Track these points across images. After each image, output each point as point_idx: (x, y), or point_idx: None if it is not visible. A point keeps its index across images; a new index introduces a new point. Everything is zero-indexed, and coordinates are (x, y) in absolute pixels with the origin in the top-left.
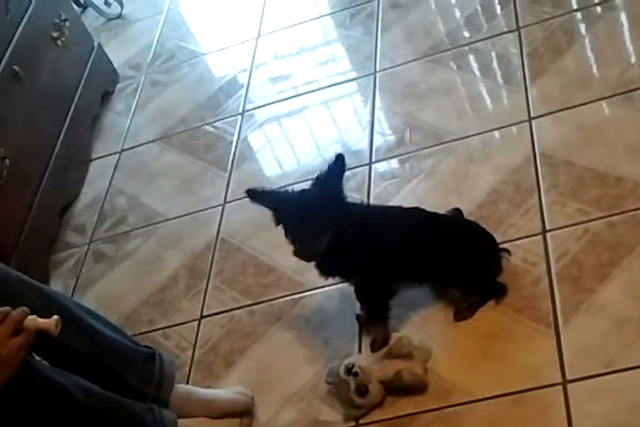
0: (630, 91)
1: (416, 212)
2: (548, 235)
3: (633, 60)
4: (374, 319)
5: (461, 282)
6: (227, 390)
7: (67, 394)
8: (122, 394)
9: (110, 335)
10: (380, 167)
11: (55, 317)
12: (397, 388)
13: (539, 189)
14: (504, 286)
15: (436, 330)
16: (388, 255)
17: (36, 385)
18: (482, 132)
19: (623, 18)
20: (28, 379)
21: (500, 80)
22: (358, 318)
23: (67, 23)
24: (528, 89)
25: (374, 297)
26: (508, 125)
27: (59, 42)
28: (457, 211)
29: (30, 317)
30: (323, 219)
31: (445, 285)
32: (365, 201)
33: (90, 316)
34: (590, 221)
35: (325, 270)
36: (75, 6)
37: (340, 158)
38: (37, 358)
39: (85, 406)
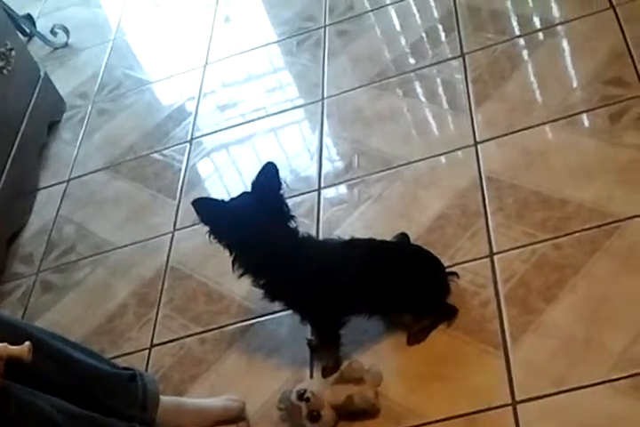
0: (572, 115)
1: (358, 242)
2: (495, 257)
3: (575, 84)
4: (325, 346)
5: (412, 307)
6: (218, 398)
7: (47, 417)
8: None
9: (85, 361)
10: (329, 193)
11: (27, 343)
12: (349, 412)
13: (485, 213)
14: (454, 307)
15: (386, 354)
16: (333, 289)
17: (15, 411)
18: (429, 157)
19: (564, 44)
20: (6, 405)
21: (445, 105)
22: (309, 342)
23: (12, 52)
24: (473, 114)
25: (323, 328)
26: (455, 150)
27: (4, 71)
28: (403, 235)
29: (0, 345)
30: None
31: (396, 312)
32: (313, 228)
33: (63, 343)
34: (536, 243)
35: (270, 293)
36: (20, 35)
37: (270, 166)
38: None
39: None
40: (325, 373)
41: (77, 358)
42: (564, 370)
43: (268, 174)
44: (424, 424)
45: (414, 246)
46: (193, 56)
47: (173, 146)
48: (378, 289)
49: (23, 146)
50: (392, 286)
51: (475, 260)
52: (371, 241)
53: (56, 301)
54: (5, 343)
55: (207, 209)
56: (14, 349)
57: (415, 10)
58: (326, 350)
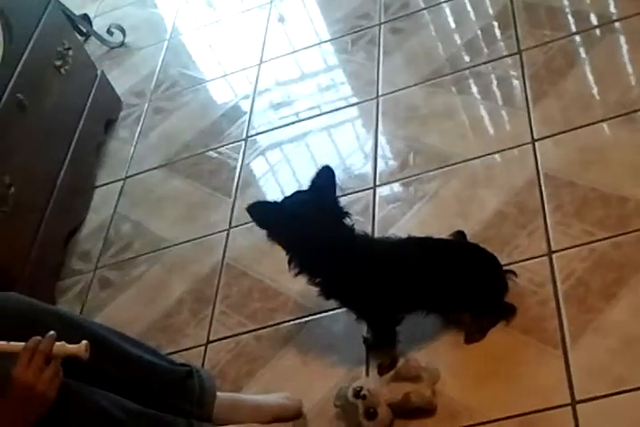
0: (631, 112)
1: (415, 240)
2: (553, 256)
3: (633, 81)
4: (381, 344)
5: (470, 306)
6: (275, 395)
7: (107, 414)
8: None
9: (143, 357)
10: (384, 191)
11: (84, 342)
12: (406, 410)
13: (543, 211)
14: (512, 306)
15: (443, 352)
16: (389, 287)
17: (75, 408)
18: (485, 155)
19: (622, 40)
20: (67, 403)
21: (501, 103)
22: (365, 340)
23: (70, 52)
24: (530, 111)
25: (379, 325)
26: (512, 147)
27: (62, 70)
28: (460, 234)
29: (58, 343)
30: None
31: (454, 311)
32: (369, 226)
33: (122, 340)
34: (595, 241)
35: (326, 292)
36: (77, 35)
37: (327, 170)
38: None
39: (124, 425)
40: (381, 370)
41: (135, 355)
42: (625, 370)
43: (325, 176)
44: (481, 423)
45: (472, 244)
46: (247, 55)
47: (229, 144)
48: (435, 287)
49: (81, 144)
50: (450, 283)
51: (533, 258)
52: (428, 239)
53: (114, 297)
54: (63, 342)
55: (262, 213)
56: (72, 347)
57: (470, 7)
58: (382, 348)
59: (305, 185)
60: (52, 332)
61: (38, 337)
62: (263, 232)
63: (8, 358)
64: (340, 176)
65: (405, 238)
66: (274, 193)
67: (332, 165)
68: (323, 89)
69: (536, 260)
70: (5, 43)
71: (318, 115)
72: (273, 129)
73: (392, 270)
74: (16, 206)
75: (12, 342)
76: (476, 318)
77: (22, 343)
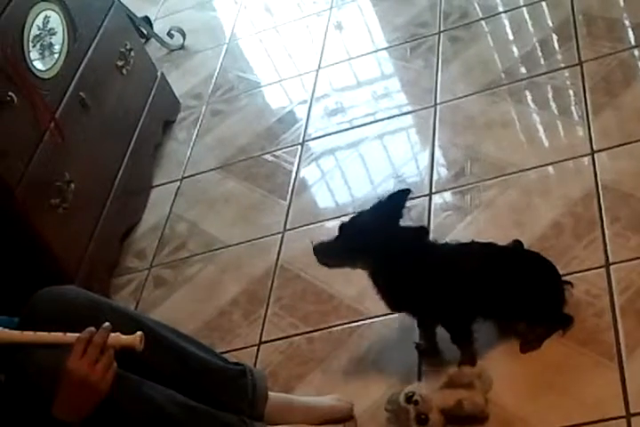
0: None
1: (481, 245)
2: (611, 268)
3: None
4: (462, 343)
5: (527, 314)
6: (327, 397)
7: (161, 408)
8: None
9: (199, 355)
10: (440, 198)
11: (139, 333)
12: (457, 417)
13: (601, 222)
14: (570, 316)
15: (498, 361)
16: (460, 290)
17: (128, 401)
18: (543, 165)
19: None
20: (121, 396)
21: (559, 114)
22: (417, 346)
23: (132, 53)
24: (590, 123)
25: (456, 326)
26: (570, 158)
27: (124, 70)
28: (517, 243)
29: (113, 334)
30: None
31: (511, 319)
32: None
33: (177, 336)
34: None
35: (396, 305)
36: (138, 37)
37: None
38: None
39: (177, 419)
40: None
41: (190, 351)
42: None
43: (396, 199)
44: None
45: (533, 252)
46: (304, 61)
47: (285, 148)
48: (496, 292)
49: (139, 144)
50: (510, 290)
51: (590, 269)
52: (491, 245)
53: (167, 296)
54: (118, 333)
55: (326, 255)
56: (126, 338)
57: (529, 18)
58: (464, 347)
59: (360, 192)
60: (107, 323)
61: (92, 328)
62: (316, 235)
63: (64, 349)
64: (394, 183)
65: (469, 243)
66: (328, 198)
67: (388, 172)
68: (380, 96)
69: (593, 271)
70: (70, 42)
71: (375, 121)
72: (329, 134)
73: (458, 274)
74: (75, 203)
75: (68, 334)
76: (532, 327)
77: (77, 335)
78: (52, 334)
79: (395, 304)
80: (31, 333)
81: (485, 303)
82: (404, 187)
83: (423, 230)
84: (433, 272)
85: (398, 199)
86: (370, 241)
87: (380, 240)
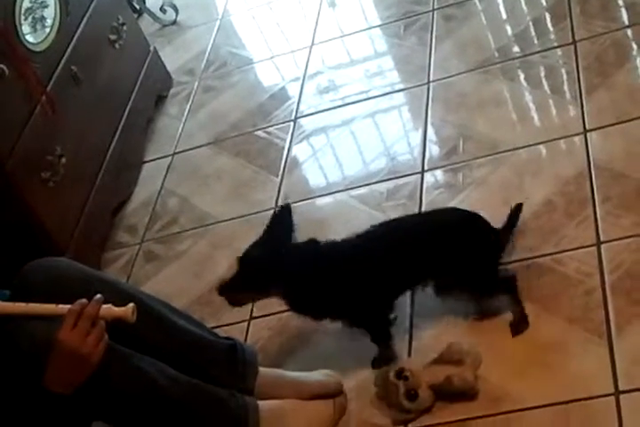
0: None
1: (376, 229)
2: (602, 246)
3: None
4: (379, 344)
5: (458, 280)
6: (316, 372)
7: (151, 380)
8: None
9: (189, 329)
10: (432, 176)
11: (131, 304)
12: (447, 393)
13: (593, 201)
14: (513, 276)
15: (486, 337)
16: (365, 285)
17: (120, 373)
18: (535, 144)
19: None
20: (111, 368)
21: (553, 93)
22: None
23: (124, 27)
24: (583, 102)
25: (372, 325)
26: (563, 137)
27: (116, 45)
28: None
29: (105, 306)
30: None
31: (450, 290)
32: (416, 210)
33: (168, 310)
34: None
35: (317, 316)
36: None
37: (284, 209)
38: None
39: (169, 393)
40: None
41: (181, 325)
42: None
43: (281, 217)
44: (522, 409)
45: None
46: (297, 38)
47: (277, 124)
48: (405, 274)
49: (131, 119)
50: (422, 265)
51: (581, 248)
52: (392, 222)
53: (158, 270)
54: (110, 305)
55: (233, 292)
56: (118, 310)
57: None
58: (382, 347)
59: (352, 169)
60: (98, 295)
61: (84, 300)
62: (307, 211)
63: (56, 321)
64: (386, 161)
65: (364, 232)
66: (321, 174)
67: (382, 148)
68: (373, 73)
69: (584, 250)
70: (62, 15)
71: (369, 98)
72: (321, 111)
73: (353, 272)
74: (66, 177)
75: (60, 305)
76: (477, 296)
77: (69, 306)
78: (44, 305)
79: (315, 315)
80: (23, 304)
81: (407, 275)
82: (399, 164)
83: (312, 242)
84: (333, 277)
85: (283, 217)
86: (270, 267)
87: (279, 262)
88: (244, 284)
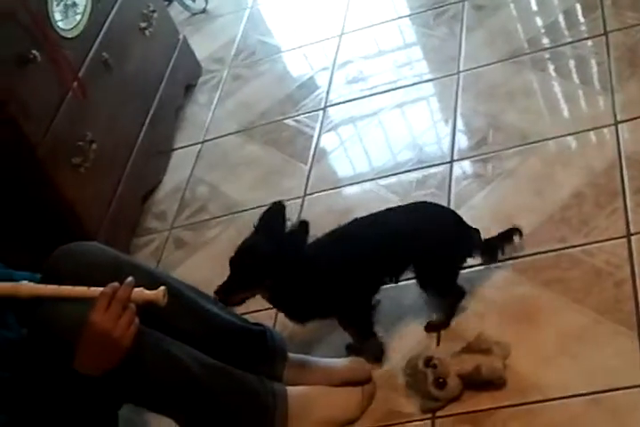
0: None
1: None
2: (632, 238)
3: None
4: (366, 339)
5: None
6: (345, 359)
7: (183, 366)
8: None
9: (219, 314)
10: (462, 166)
11: (162, 287)
12: (475, 382)
13: (623, 193)
14: (462, 290)
15: (515, 327)
16: (351, 279)
17: (151, 358)
18: (565, 135)
19: None
20: (143, 352)
21: (583, 84)
22: (348, 347)
23: (155, 14)
24: (614, 94)
25: (358, 322)
26: (594, 129)
27: (146, 32)
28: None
29: (136, 289)
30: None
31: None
32: (444, 201)
33: (198, 295)
34: None
35: (298, 318)
36: None
37: (277, 206)
38: None
39: (200, 377)
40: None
41: (211, 311)
42: None
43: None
44: (550, 400)
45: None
46: (327, 27)
47: (306, 113)
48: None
49: (161, 106)
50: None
51: (611, 239)
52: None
53: (187, 257)
54: (141, 288)
55: (231, 293)
56: (150, 293)
57: None
58: (369, 339)
59: (380, 159)
60: (130, 278)
61: (116, 283)
62: (335, 200)
63: (87, 303)
64: (414, 151)
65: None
66: (350, 163)
67: (412, 137)
68: (403, 63)
69: (614, 241)
70: (93, 2)
71: (396, 88)
72: (350, 100)
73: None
74: (97, 163)
75: (91, 288)
76: (434, 294)
77: (101, 289)
78: (76, 287)
79: (302, 316)
80: (55, 286)
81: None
82: (428, 154)
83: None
84: (315, 274)
85: (275, 215)
86: (261, 263)
87: (268, 258)
88: (240, 283)
